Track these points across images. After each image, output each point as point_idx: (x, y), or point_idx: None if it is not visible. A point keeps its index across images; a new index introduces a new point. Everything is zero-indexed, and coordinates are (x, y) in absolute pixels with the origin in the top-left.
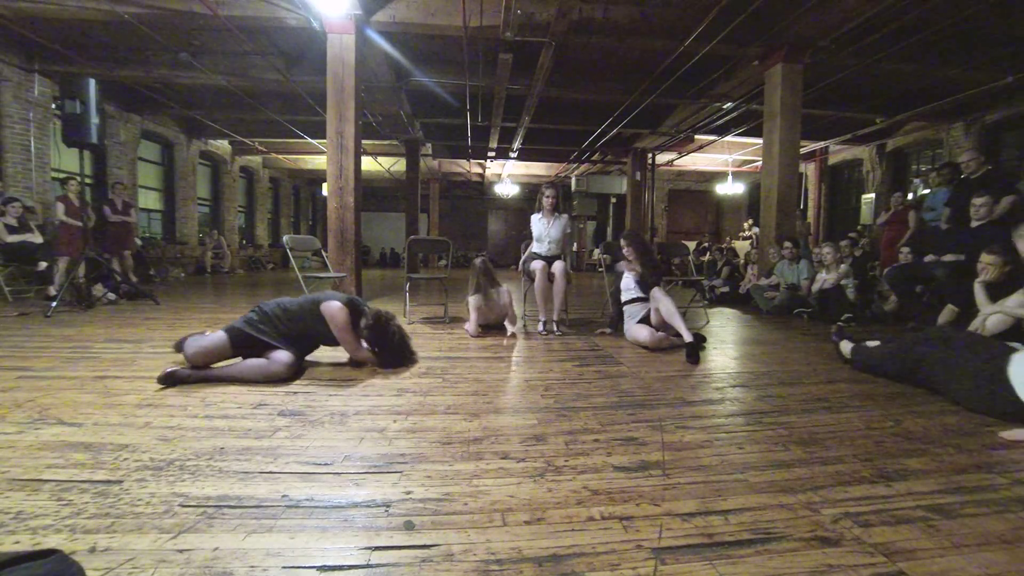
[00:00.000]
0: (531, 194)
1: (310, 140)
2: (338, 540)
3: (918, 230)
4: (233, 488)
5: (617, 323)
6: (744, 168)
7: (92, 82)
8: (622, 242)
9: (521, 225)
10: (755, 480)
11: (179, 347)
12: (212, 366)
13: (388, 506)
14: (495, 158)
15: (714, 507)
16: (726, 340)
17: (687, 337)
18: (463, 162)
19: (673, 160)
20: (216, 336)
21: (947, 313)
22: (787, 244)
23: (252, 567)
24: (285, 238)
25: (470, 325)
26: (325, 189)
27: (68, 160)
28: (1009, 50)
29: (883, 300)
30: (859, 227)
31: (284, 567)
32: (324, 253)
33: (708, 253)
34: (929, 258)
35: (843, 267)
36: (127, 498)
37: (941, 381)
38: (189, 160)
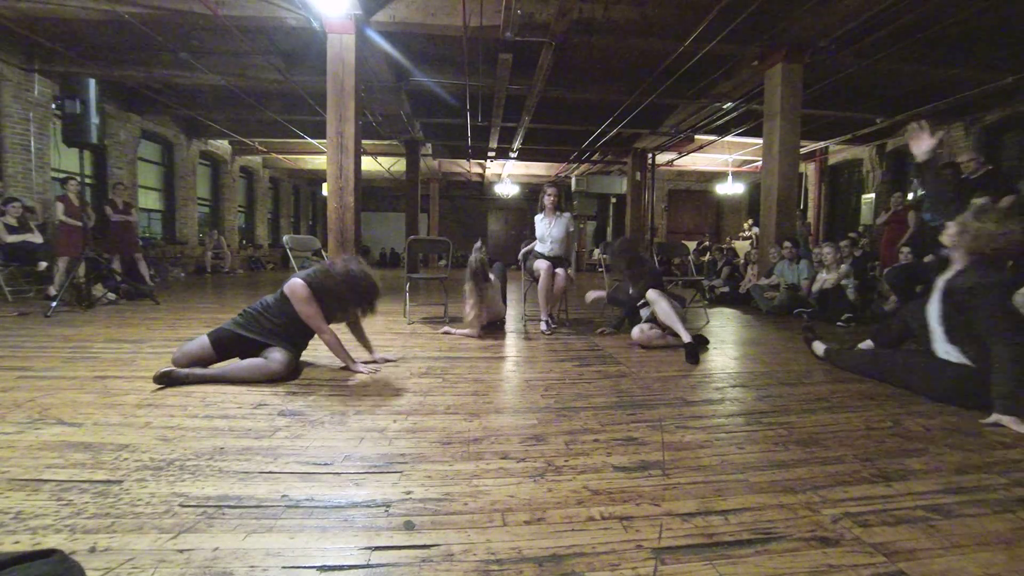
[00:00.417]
0: (531, 194)
1: (310, 140)
2: (338, 540)
3: (918, 230)
4: (233, 488)
5: (620, 324)
6: (744, 168)
7: (92, 82)
8: (611, 260)
9: (521, 225)
10: (755, 480)
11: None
12: (210, 367)
13: (388, 506)
14: (495, 158)
15: (714, 507)
16: (726, 340)
17: (685, 338)
18: (463, 162)
19: (673, 160)
20: (198, 339)
21: None
22: (787, 244)
23: (252, 567)
24: (285, 238)
25: (467, 330)
26: (325, 189)
27: (68, 160)
28: (1009, 50)
29: (883, 300)
30: (860, 227)
31: (284, 567)
32: (324, 253)
33: (708, 253)
34: (929, 258)
35: (843, 267)
36: (127, 498)
37: (911, 383)
38: (189, 160)
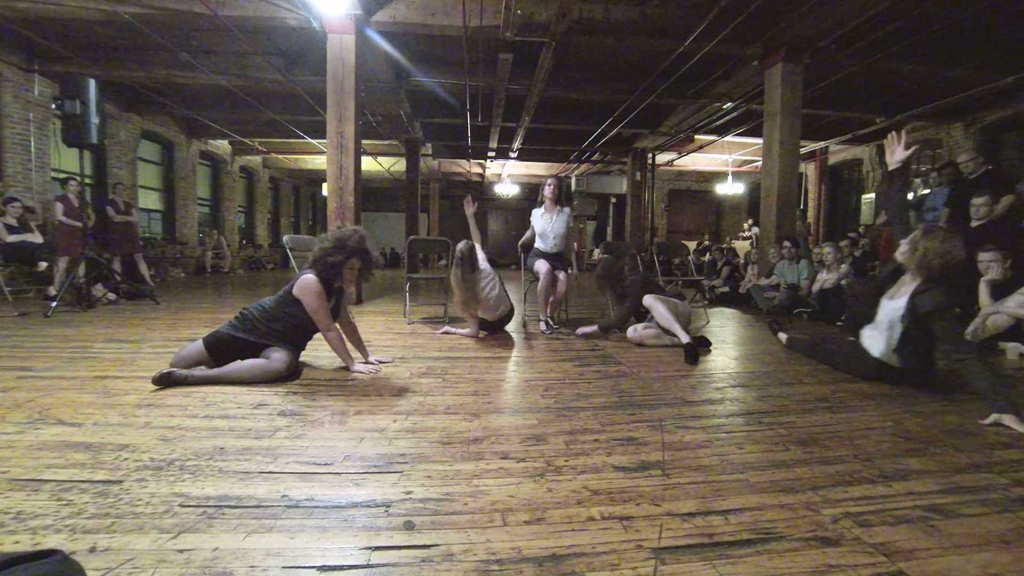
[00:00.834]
0: (531, 194)
1: (310, 140)
2: (338, 540)
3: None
4: (233, 488)
5: (610, 329)
6: (744, 168)
7: (92, 82)
8: (596, 284)
9: (521, 225)
10: (755, 480)
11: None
12: (210, 368)
13: (388, 506)
14: (495, 158)
15: (714, 507)
16: (726, 340)
17: (684, 339)
18: (463, 162)
19: (673, 160)
20: (194, 344)
21: None
22: (787, 244)
23: (252, 567)
24: (285, 238)
25: (467, 330)
26: (325, 189)
27: (68, 160)
28: (1009, 50)
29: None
30: (860, 227)
31: (284, 567)
32: None
33: (708, 253)
34: None
35: (843, 267)
36: (127, 498)
37: (836, 361)
38: (189, 160)
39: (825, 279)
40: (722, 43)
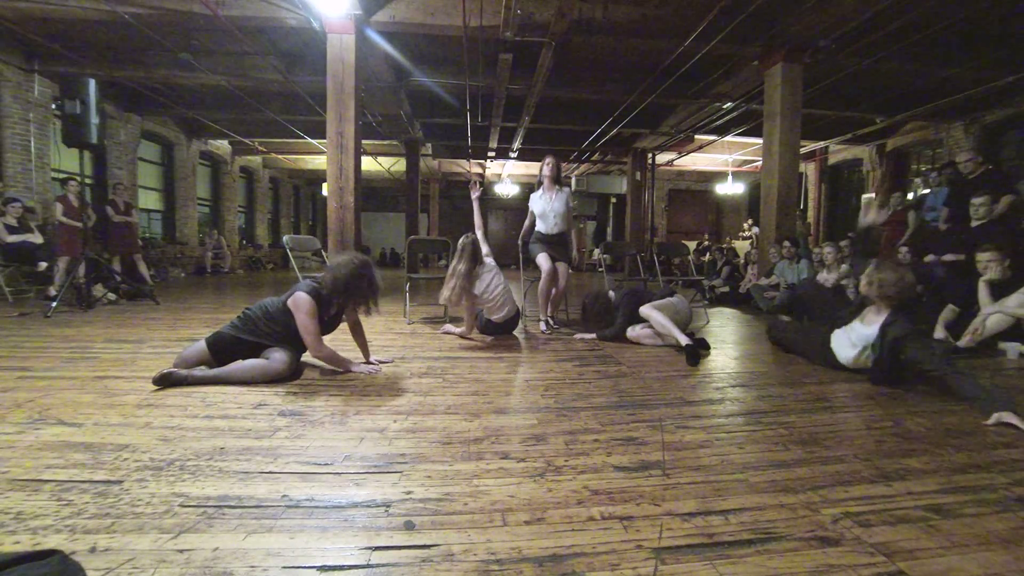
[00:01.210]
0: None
1: (310, 140)
2: (338, 540)
3: (917, 230)
4: (233, 488)
5: (607, 339)
6: (744, 168)
7: (92, 82)
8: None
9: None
10: (755, 480)
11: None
12: (212, 368)
13: (388, 506)
14: (495, 158)
15: (714, 507)
16: (726, 340)
17: (683, 342)
18: (463, 162)
19: (673, 160)
20: (196, 345)
21: (947, 313)
22: (787, 244)
23: (252, 567)
24: (285, 238)
25: (463, 328)
26: (325, 189)
27: (68, 160)
28: (1009, 50)
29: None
30: (870, 225)
31: (284, 567)
32: (324, 253)
33: (708, 253)
34: (929, 258)
35: (843, 267)
36: (127, 498)
37: (809, 354)
38: (189, 160)
39: (825, 279)
40: (722, 43)
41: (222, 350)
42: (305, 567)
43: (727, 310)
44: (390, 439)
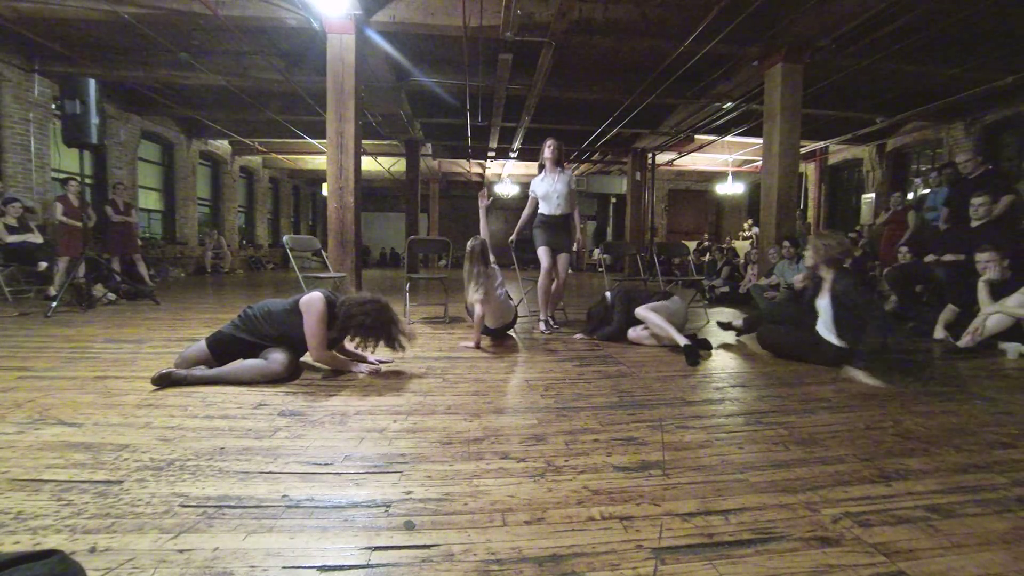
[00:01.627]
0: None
1: (310, 140)
2: (338, 540)
3: (917, 230)
4: (233, 488)
5: (607, 335)
6: (744, 168)
7: (92, 82)
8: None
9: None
10: (755, 480)
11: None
12: (211, 368)
13: (388, 506)
14: (495, 158)
15: (714, 507)
16: (726, 340)
17: (682, 342)
18: (463, 162)
19: (673, 160)
20: (196, 344)
21: (947, 313)
22: (787, 244)
23: (252, 567)
24: (285, 238)
25: (473, 335)
26: (325, 189)
27: (68, 160)
28: (1009, 50)
29: (883, 300)
30: (858, 227)
31: (284, 567)
32: (324, 253)
33: (708, 253)
34: (929, 258)
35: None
36: (127, 498)
37: (807, 355)
38: (189, 160)
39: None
40: (722, 43)
41: (222, 349)
42: (305, 567)
43: (727, 310)
44: (390, 439)
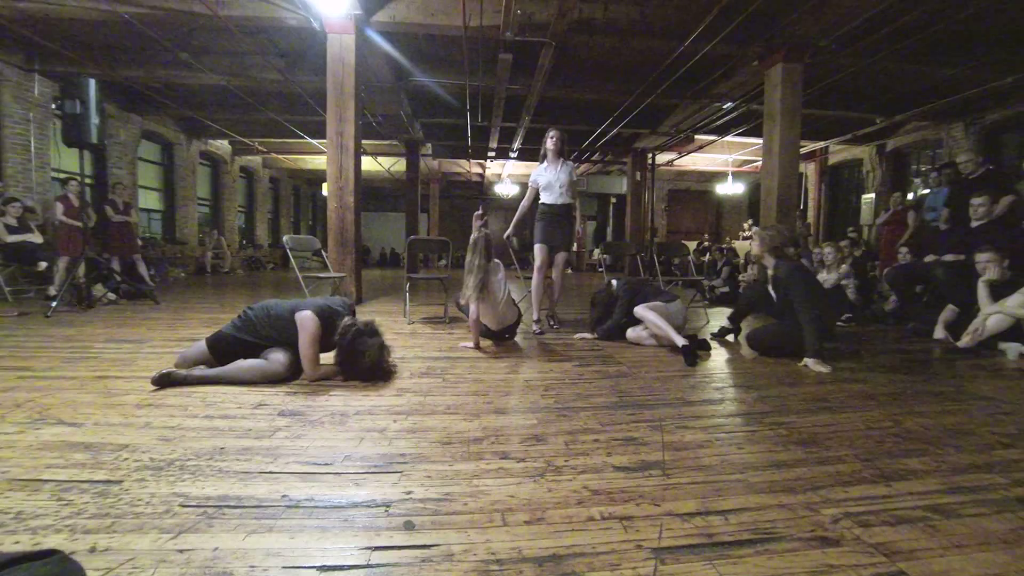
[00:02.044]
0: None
1: (310, 140)
2: (338, 540)
3: (917, 230)
4: (233, 488)
5: (606, 337)
6: (744, 168)
7: (92, 82)
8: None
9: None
10: (755, 480)
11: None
12: (212, 368)
13: (388, 506)
14: (495, 158)
15: (714, 507)
16: (726, 340)
17: (679, 342)
18: (463, 162)
19: (673, 160)
20: (196, 344)
21: (947, 313)
22: None
23: (252, 567)
24: (285, 238)
25: (472, 336)
26: (325, 189)
27: (68, 160)
28: (1009, 50)
29: (883, 300)
30: (849, 230)
31: (284, 567)
32: (324, 253)
33: (708, 253)
34: (929, 258)
35: (844, 267)
36: (127, 498)
37: (791, 344)
38: (189, 160)
39: (825, 279)
40: (722, 43)
41: (222, 349)
42: (305, 567)
43: (727, 310)
44: (390, 439)
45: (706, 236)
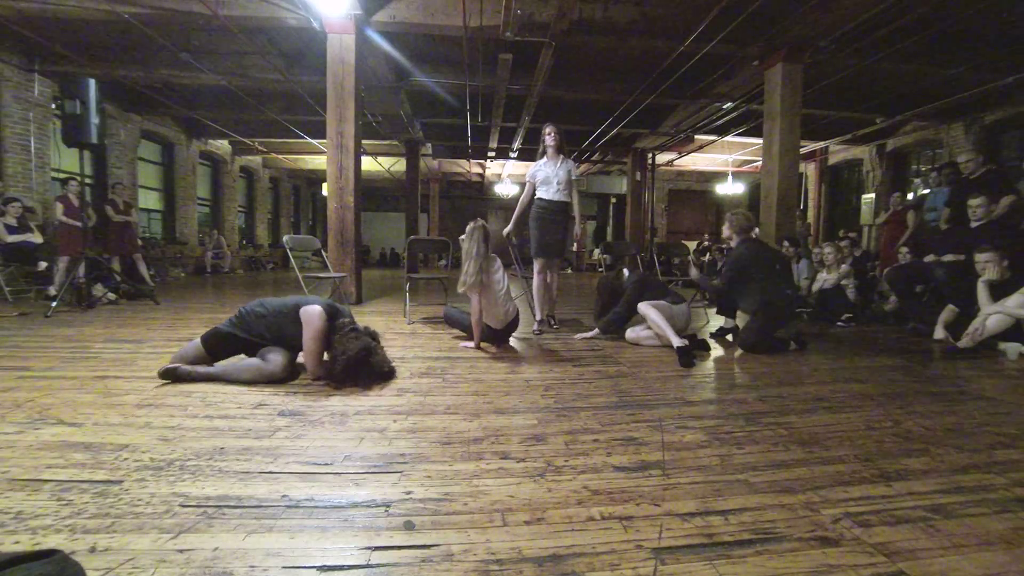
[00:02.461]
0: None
1: (310, 140)
2: (338, 540)
3: (917, 230)
4: (233, 488)
5: (609, 330)
6: (744, 168)
7: (92, 82)
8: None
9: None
10: (755, 480)
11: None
12: (213, 365)
13: (388, 506)
14: (495, 158)
15: (714, 507)
16: (726, 340)
17: (676, 343)
18: (463, 162)
19: (673, 160)
20: (192, 343)
21: (947, 313)
22: (787, 244)
23: (252, 567)
24: (285, 238)
25: (474, 335)
26: (325, 189)
27: (68, 160)
28: (1009, 50)
29: (883, 300)
30: (840, 233)
31: (284, 567)
32: (324, 253)
33: (708, 253)
34: (929, 258)
35: (844, 267)
36: (127, 498)
37: (769, 342)
38: (189, 160)
39: (825, 279)
40: (722, 43)
41: (218, 347)
42: (305, 567)
43: None
44: (390, 439)
45: (706, 236)
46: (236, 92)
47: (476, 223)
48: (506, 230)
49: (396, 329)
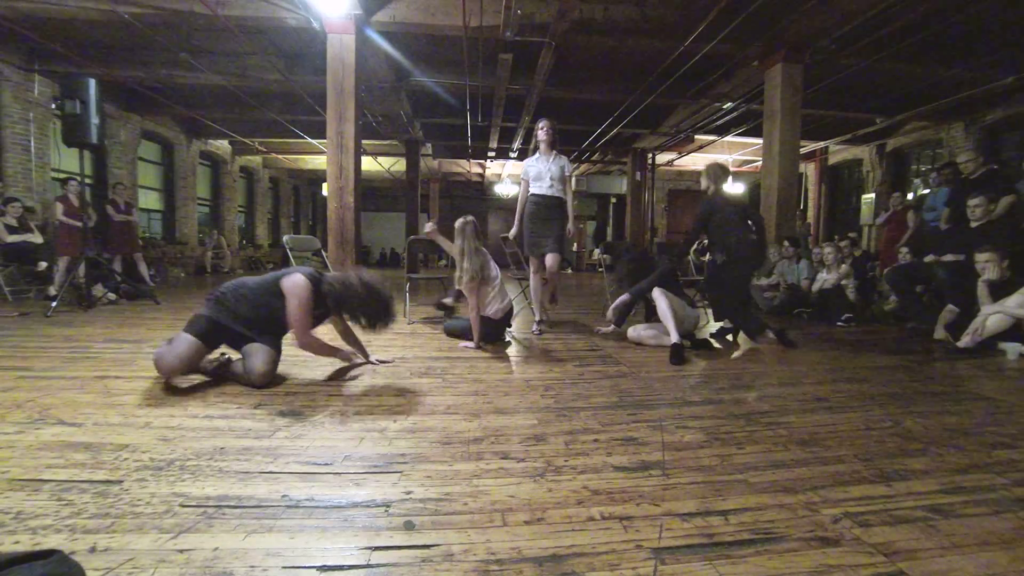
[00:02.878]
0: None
1: (310, 140)
2: (338, 540)
3: (917, 230)
4: (233, 488)
5: (640, 295)
6: (744, 168)
7: (92, 82)
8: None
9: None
10: (755, 480)
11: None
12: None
13: (388, 506)
14: (495, 158)
15: (714, 507)
16: (726, 340)
17: (673, 338)
18: (463, 162)
19: (673, 160)
20: (184, 339)
21: (947, 313)
22: (787, 244)
23: (252, 567)
24: (285, 238)
25: (473, 334)
26: (325, 189)
27: (68, 160)
28: (1009, 50)
29: (883, 300)
30: (835, 235)
31: (284, 567)
32: (324, 253)
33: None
34: (929, 258)
35: (844, 267)
36: (127, 498)
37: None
38: (189, 160)
39: (825, 279)
40: (722, 43)
41: (204, 330)
42: (305, 567)
43: None
44: (390, 439)
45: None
46: (236, 92)
47: (466, 218)
48: (512, 232)
49: (396, 329)
